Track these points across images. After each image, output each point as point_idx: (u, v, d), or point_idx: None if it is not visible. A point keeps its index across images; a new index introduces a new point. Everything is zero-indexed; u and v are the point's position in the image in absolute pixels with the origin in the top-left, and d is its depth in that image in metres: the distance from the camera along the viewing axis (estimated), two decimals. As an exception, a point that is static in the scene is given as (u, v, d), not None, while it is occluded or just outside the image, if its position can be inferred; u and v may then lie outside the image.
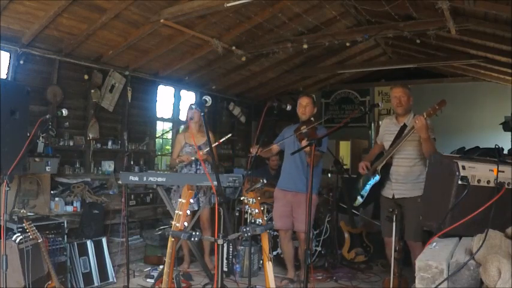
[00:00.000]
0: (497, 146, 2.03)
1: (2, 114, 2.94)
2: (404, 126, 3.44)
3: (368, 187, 3.63)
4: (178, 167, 4.53)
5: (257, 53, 6.10)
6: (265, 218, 2.48)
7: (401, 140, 3.40)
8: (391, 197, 3.53)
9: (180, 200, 2.11)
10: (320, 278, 4.45)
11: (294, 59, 7.04)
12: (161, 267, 3.80)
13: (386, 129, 3.71)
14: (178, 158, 4.51)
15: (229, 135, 4.46)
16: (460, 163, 1.83)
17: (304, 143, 3.71)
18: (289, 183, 4.13)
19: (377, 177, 3.56)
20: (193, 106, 4.33)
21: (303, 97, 4.18)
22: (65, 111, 3.26)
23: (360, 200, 3.74)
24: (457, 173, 1.81)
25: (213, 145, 4.41)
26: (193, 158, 4.40)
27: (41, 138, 4.33)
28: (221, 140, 4.41)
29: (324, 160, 4.28)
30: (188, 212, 2.11)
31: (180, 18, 4.67)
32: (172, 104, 7.09)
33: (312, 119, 4.11)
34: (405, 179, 3.46)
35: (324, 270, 4.68)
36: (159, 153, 7.01)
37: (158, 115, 6.69)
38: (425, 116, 3.16)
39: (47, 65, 4.94)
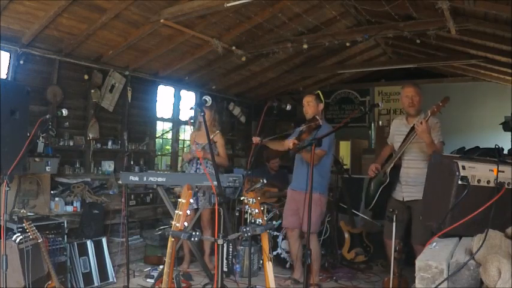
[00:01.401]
0: (497, 146, 2.03)
1: (2, 114, 2.94)
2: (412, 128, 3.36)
3: (380, 190, 3.58)
4: (183, 163, 4.62)
5: (257, 53, 6.10)
6: (265, 218, 2.47)
7: (406, 143, 3.37)
8: (401, 199, 3.49)
9: (180, 200, 2.11)
10: (320, 278, 4.44)
11: (294, 59, 7.04)
12: (161, 267, 3.80)
13: (396, 130, 3.65)
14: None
15: (217, 132, 4.51)
16: (460, 163, 1.83)
17: (291, 141, 3.77)
18: (295, 183, 4.15)
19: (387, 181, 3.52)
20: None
21: (304, 96, 4.17)
22: (65, 111, 3.26)
23: (373, 203, 3.69)
24: (457, 173, 1.81)
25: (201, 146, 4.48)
26: (190, 156, 4.48)
27: (41, 138, 4.33)
28: (211, 137, 4.43)
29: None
30: (188, 212, 2.11)
31: (180, 18, 4.67)
32: (172, 104, 7.09)
33: (317, 116, 3.98)
34: (415, 181, 3.37)
35: (324, 270, 4.67)
36: (159, 153, 7.01)
37: (158, 115, 6.69)
38: (429, 115, 3.12)
39: (47, 65, 4.94)
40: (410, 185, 3.43)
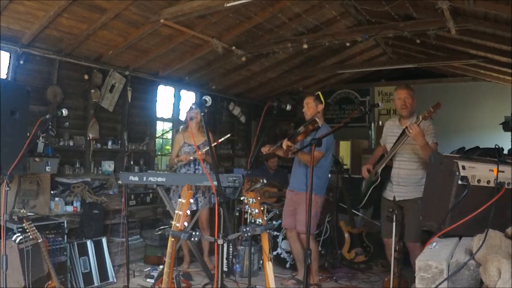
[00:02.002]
0: (497, 146, 2.03)
1: (2, 114, 2.94)
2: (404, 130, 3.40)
3: (370, 190, 3.61)
4: (177, 166, 4.54)
5: (257, 53, 6.10)
6: (265, 218, 2.47)
7: (398, 145, 3.38)
8: (391, 199, 3.52)
9: (180, 200, 2.11)
10: (320, 278, 4.44)
11: (294, 59, 7.04)
12: (161, 267, 3.80)
13: (389, 131, 3.67)
14: (177, 158, 4.53)
15: (229, 135, 4.51)
16: (460, 163, 1.83)
17: (284, 143, 3.79)
18: (293, 183, 4.17)
19: (378, 180, 3.55)
20: (193, 107, 4.34)
21: (305, 98, 4.18)
22: (65, 111, 3.25)
23: (364, 202, 3.73)
24: (457, 173, 1.81)
25: (212, 145, 4.43)
26: (191, 158, 4.42)
27: (41, 138, 4.33)
28: (220, 140, 4.43)
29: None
30: (188, 212, 2.11)
31: (180, 18, 4.67)
32: (172, 104, 7.09)
33: (317, 118, 3.96)
34: (406, 182, 3.42)
35: (324, 270, 4.67)
36: (159, 153, 7.01)
37: (158, 115, 6.69)
38: (420, 119, 3.13)
39: (47, 65, 4.94)
40: (402, 185, 3.46)
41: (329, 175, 4.23)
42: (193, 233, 2.06)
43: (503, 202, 1.78)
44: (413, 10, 4.73)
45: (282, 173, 6.10)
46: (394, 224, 3.18)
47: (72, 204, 4.52)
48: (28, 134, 3.15)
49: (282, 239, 4.79)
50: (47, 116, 3.18)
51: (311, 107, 4.07)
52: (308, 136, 3.88)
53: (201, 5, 4.30)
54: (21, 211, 3.62)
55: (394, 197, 3.50)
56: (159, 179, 3.56)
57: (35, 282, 3.15)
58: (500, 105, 7.35)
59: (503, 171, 1.82)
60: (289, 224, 4.19)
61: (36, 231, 3.19)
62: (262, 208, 2.48)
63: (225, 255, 4.45)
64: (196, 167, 4.51)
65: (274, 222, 4.78)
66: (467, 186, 1.79)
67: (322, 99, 4.09)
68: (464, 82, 8.02)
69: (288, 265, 4.80)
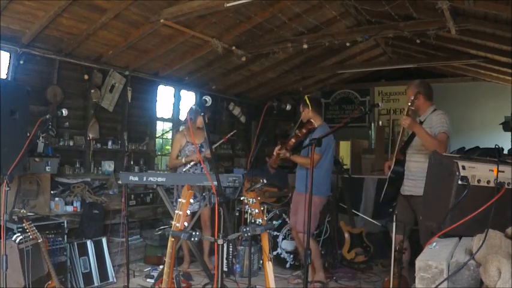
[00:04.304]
0: (497, 146, 2.02)
1: (2, 114, 2.94)
2: (420, 123, 3.36)
3: (386, 186, 3.59)
4: (186, 167, 4.46)
5: (257, 53, 6.10)
6: (265, 218, 2.47)
7: (399, 138, 3.40)
8: (404, 193, 3.50)
9: (180, 200, 2.10)
10: (320, 278, 4.45)
11: (294, 59, 7.04)
12: (161, 267, 3.80)
13: None
14: (186, 158, 4.49)
15: (234, 131, 4.51)
16: (460, 163, 1.82)
17: (275, 150, 3.88)
18: (296, 184, 4.26)
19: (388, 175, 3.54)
20: (193, 107, 4.35)
21: None
22: (65, 111, 3.24)
23: (381, 198, 3.72)
24: (457, 173, 1.80)
25: (218, 143, 4.44)
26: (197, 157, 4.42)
27: (41, 138, 4.33)
28: (226, 137, 4.44)
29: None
30: (188, 212, 2.11)
31: (180, 18, 4.67)
32: (172, 104, 7.10)
33: (312, 120, 4.02)
34: (415, 176, 3.37)
35: (324, 270, 4.66)
36: (159, 153, 7.01)
37: (158, 115, 6.69)
38: (406, 110, 3.15)
39: (47, 65, 4.94)
40: (410, 179, 3.43)
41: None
42: (193, 233, 2.05)
43: (503, 202, 1.77)
44: (413, 10, 4.74)
45: (282, 173, 6.10)
46: (394, 223, 3.17)
47: (72, 204, 4.52)
48: (28, 134, 3.15)
49: (282, 239, 4.79)
50: (47, 116, 3.17)
51: (302, 113, 4.15)
52: (305, 138, 3.91)
53: (201, 5, 4.31)
54: (21, 211, 3.62)
55: (404, 191, 3.48)
56: (159, 179, 3.55)
57: (35, 282, 3.15)
58: (500, 105, 7.35)
59: (503, 171, 1.82)
60: (292, 223, 4.31)
61: (36, 231, 3.19)
62: (262, 208, 2.48)
63: (225, 255, 4.45)
64: (201, 166, 4.52)
65: (274, 222, 4.78)
66: (467, 186, 1.78)
67: (308, 102, 4.09)
68: (464, 82, 8.03)
69: (288, 265, 4.80)
